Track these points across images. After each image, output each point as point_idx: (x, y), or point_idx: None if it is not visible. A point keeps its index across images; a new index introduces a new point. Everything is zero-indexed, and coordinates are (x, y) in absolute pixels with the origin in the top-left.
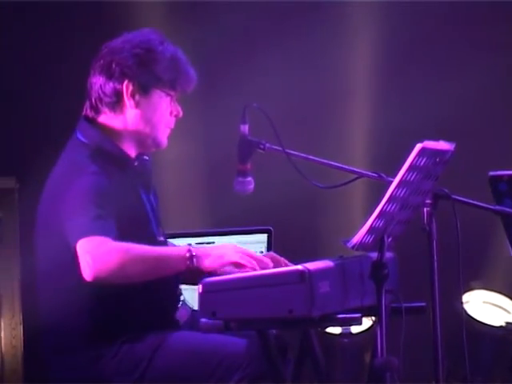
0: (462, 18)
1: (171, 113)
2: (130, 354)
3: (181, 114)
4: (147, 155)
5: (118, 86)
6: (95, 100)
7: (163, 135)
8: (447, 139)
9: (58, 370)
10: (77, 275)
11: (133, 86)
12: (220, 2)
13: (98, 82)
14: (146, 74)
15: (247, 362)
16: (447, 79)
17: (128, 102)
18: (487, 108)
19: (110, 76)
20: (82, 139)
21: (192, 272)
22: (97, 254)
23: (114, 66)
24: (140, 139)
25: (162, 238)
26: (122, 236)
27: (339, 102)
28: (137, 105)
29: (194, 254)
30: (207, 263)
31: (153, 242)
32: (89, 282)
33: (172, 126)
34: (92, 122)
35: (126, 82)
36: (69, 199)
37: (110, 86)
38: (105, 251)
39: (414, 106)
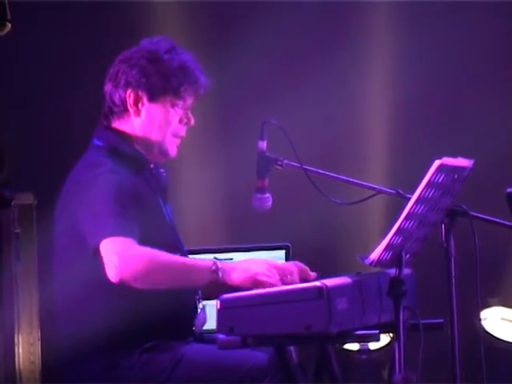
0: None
1: (180, 121)
2: (151, 364)
3: (192, 122)
4: (162, 167)
5: (123, 95)
6: (107, 108)
7: (170, 144)
8: (465, 155)
9: (73, 380)
10: (96, 281)
11: (135, 95)
12: (242, 23)
13: (108, 90)
14: (150, 83)
15: (272, 375)
16: (466, 94)
17: (131, 110)
18: (506, 124)
19: (116, 85)
20: (98, 143)
21: (217, 285)
22: (124, 257)
23: (120, 74)
24: (147, 146)
25: (179, 242)
26: (142, 235)
27: (357, 118)
28: (140, 113)
29: (219, 267)
30: (233, 277)
31: (170, 241)
32: (108, 288)
33: (182, 134)
34: (106, 127)
35: (129, 91)
36: (88, 199)
37: (116, 95)
38: (132, 255)
39: (433, 121)
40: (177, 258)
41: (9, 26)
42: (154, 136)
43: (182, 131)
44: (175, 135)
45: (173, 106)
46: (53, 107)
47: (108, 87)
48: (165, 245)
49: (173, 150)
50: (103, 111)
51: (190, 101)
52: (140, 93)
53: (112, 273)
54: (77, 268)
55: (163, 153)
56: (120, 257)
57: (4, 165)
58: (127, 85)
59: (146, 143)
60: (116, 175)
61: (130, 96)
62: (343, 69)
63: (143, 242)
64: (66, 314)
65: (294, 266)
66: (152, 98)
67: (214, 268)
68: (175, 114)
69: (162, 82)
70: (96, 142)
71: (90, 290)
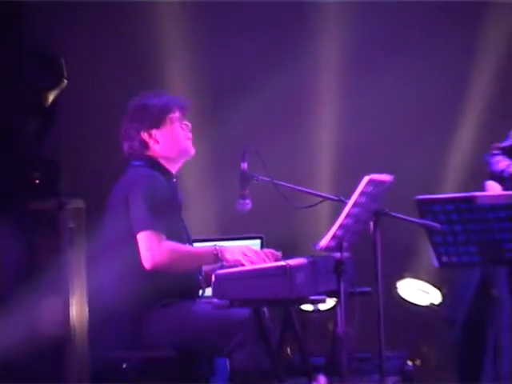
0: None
1: (182, 128)
2: (167, 316)
3: (189, 125)
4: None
5: (140, 138)
6: (130, 155)
7: (187, 145)
8: (388, 172)
9: (110, 330)
10: (133, 259)
11: (147, 131)
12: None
13: (127, 146)
14: (150, 118)
15: (249, 328)
16: (389, 121)
17: (150, 141)
18: (421, 142)
19: (131, 139)
20: (137, 163)
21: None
22: (155, 252)
23: (128, 130)
24: (171, 159)
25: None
26: (169, 229)
27: (309, 132)
28: (157, 140)
29: (218, 249)
30: (226, 256)
31: (184, 233)
32: (141, 266)
33: (189, 135)
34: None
35: (141, 133)
36: (137, 196)
37: (136, 145)
38: (161, 250)
39: (367, 143)
40: (191, 249)
41: (65, 82)
42: (174, 147)
43: (188, 134)
44: (186, 138)
45: (172, 123)
46: (99, 128)
47: (125, 145)
48: (181, 236)
49: (191, 148)
50: (126, 156)
51: (180, 114)
52: (148, 128)
53: (146, 264)
54: (122, 248)
55: (185, 154)
56: (152, 252)
57: (61, 177)
58: (138, 131)
59: (170, 159)
60: (155, 180)
61: (144, 136)
62: (292, 73)
63: (169, 232)
64: (108, 282)
65: (267, 253)
66: (158, 124)
67: (215, 252)
68: (177, 126)
69: (158, 110)
70: (135, 162)
71: (129, 265)
